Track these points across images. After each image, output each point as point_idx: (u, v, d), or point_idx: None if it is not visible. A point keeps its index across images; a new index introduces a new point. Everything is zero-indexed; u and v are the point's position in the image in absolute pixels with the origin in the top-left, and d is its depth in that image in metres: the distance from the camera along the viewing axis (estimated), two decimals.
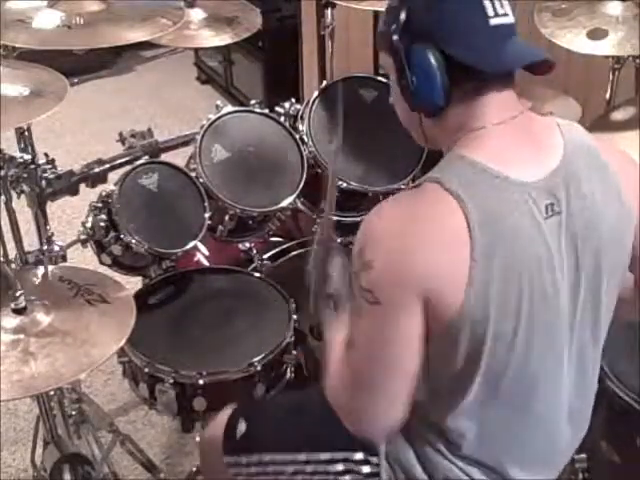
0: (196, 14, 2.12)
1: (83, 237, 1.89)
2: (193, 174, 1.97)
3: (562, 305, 1.23)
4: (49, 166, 1.86)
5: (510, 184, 1.18)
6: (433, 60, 1.18)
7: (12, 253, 1.97)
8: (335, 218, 2.16)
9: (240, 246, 2.19)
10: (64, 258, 1.93)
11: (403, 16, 1.20)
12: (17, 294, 1.45)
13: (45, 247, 1.90)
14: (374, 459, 1.39)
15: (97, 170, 1.99)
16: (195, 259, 2.25)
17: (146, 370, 1.80)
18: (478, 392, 1.24)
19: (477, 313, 1.16)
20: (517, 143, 1.22)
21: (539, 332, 1.23)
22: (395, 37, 1.21)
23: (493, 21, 1.18)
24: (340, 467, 1.42)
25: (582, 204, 1.22)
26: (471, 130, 1.21)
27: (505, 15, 1.20)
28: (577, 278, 1.24)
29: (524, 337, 1.21)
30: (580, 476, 1.78)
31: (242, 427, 1.51)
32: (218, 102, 2.10)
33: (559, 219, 1.20)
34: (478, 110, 1.21)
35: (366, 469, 1.40)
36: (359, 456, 1.40)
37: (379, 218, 1.22)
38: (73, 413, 2.12)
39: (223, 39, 2.11)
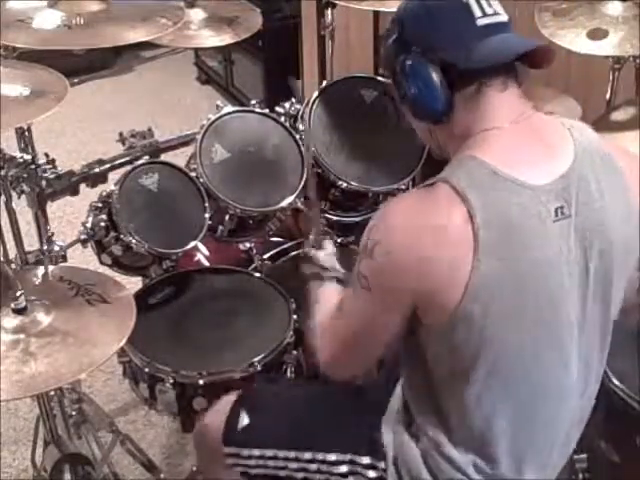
0: (196, 14, 2.12)
1: (83, 237, 1.89)
2: (193, 174, 1.96)
3: (570, 308, 1.23)
4: (49, 166, 1.86)
5: (519, 187, 1.18)
6: (427, 67, 1.20)
7: (12, 253, 1.97)
8: (335, 218, 2.17)
9: (240, 246, 2.19)
10: (64, 258, 1.92)
11: (396, 33, 1.25)
12: (17, 294, 1.45)
13: (45, 247, 1.90)
14: (381, 464, 1.39)
15: (97, 170, 1.99)
16: (195, 259, 2.25)
17: (146, 370, 1.80)
18: (480, 394, 1.24)
19: (475, 314, 1.17)
20: (527, 145, 1.22)
21: (546, 335, 1.23)
22: (390, 53, 1.26)
23: (481, 21, 1.21)
24: (344, 469, 1.42)
25: (591, 207, 1.22)
26: (479, 132, 1.22)
27: (495, 14, 1.22)
28: (586, 281, 1.24)
29: (531, 340, 1.21)
30: (580, 476, 1.78)
31: (244, 420, 1.51)
32: (218, 102, 2.10)
33: (569, 222, 1.20)
34: (482, 111, 1.22)
35: (372, 474, 1.40)
36: (366, 460, 1.40)
37: (390, 211, 1.25)
38: (73, 413, 2.12)
39: (223, 39, 2.11)
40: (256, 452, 1.48)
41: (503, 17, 1.24)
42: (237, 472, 1.52)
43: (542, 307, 1.20)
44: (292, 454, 1.45)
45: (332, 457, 1.43)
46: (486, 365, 1.22)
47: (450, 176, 1.19)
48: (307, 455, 1.44)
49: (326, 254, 1.61)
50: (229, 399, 1.58)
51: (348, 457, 1.42)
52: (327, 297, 1.48)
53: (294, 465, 1.45)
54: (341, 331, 1.34)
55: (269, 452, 1.47)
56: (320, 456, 1.43)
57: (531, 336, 1.21)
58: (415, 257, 1.17)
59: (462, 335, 1.19)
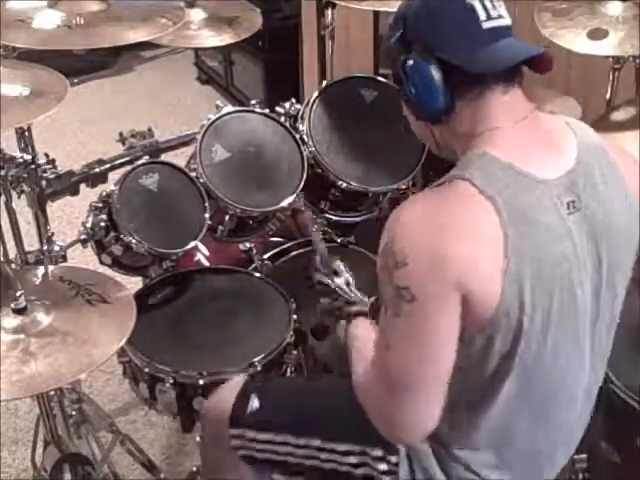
0: (196, 14, 2.13)
1: (83, 237, 1.89)
2: (193, 174, 1.96)
3: (587, 302, 1.24)
4: (49, 166, 1.86)
5: (534, 181, 1.18)
6: (428, 66, 1.20)
7: (12, 253, 1.97)
8: (335, 218, 2.17)
9: (240, 246, 2.19)
10: (64, 258, 1.92)
11: (398, 31, 1.24)
12: (17, 294, 1.45)
13: (45, 247, 1.90)
14: (393, 458, 1.38)
15: (97, 170, 2.00)
16: (195, 259, 2.25)
17: (146, 370, 1.80)
18: (507, 394, 1.24)
19: (513, 310, 1.16)
20: (532, 142, 1.23)
21: (567, 330, 1.23)
22: (392, 52, 1.26)
23: (486, 24, 1.20)
24: (354, 459, 1.41)
25: (597, 202, 1.23)
26: (484, 131, 1.22)
27: (499, 18, 1.21)
28: (599, 275, 1.24)
29: (554, 335, 1.21)
30: (580, 476, 1.78)
31: (254, 403, 1.50)
32: (218, 102, 2.10)
33: (580, 216, 1.21)
34: (486, 112, 1.22)
35: (382, 466, 1.39)
36: (377, 453, 1.39)
37: (408, 214, 1.19)
38: (73, 413, 2.12)
39: (223, 39, 2.12)
40: (265, 436, 1.47)
41: (507, 20, 1.23)
42: (239, 455, 1.51)
43: (565, 301, 1.20)
44: (302, 441, 1.44)
45: (342, 447, 1.41)
46: (515, 364, 1.21)
47: (465, 173, 1.18)
48: (316, 443, 1.43)
49: (345, 282, 1.54)
50: (237, 381, 1.58)
51: (359, 448, 1.40)
52: (363, 346, 1.36)
53: (303, 452, 1.45)
54: (396, 371, 1.21)
55: (279, 437, 1.46)
56: (330, 445, 1.42)
57: (553, 333, 1.21)
58: (450, 253, 1.12)
59: (500, 337, 1.18)
